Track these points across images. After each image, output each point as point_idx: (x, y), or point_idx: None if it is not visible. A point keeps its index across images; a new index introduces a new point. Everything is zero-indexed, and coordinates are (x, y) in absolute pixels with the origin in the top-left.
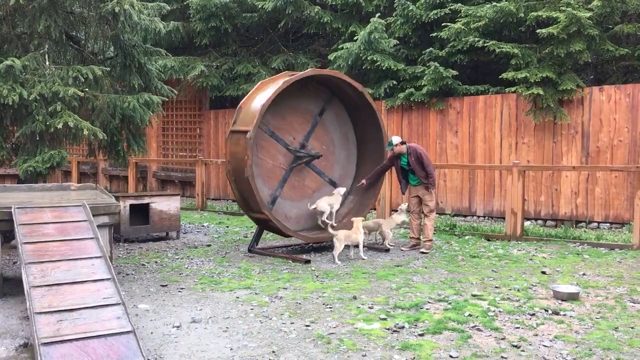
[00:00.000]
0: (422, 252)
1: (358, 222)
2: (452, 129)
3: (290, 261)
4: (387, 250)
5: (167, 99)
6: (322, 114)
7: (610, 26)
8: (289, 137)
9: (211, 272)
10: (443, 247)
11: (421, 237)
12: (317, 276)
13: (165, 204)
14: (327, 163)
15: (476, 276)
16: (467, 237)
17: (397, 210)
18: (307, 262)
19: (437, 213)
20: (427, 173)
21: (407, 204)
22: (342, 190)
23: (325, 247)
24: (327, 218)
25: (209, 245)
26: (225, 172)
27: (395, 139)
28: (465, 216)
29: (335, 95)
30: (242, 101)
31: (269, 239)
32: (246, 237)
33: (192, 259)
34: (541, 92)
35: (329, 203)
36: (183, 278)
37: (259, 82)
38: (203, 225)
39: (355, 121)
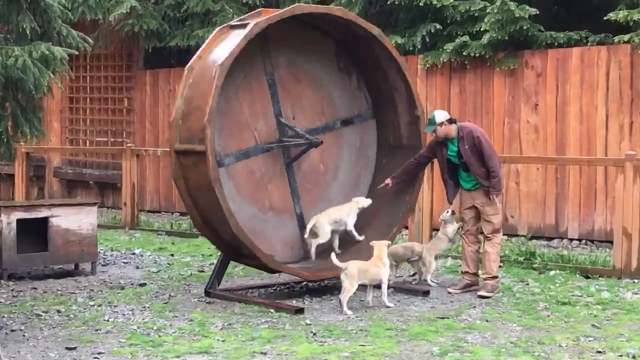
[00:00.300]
0: (482, 296)
1: (381, 248)
2: (529, 100)
3: (273, 310)
4: (426, 292)
5: (76, 53)
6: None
7: None
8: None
9: (146, 328)
10: (514, 288)
11: (480, 272)
12: (315, 334)
13: (73, 219)
14: (332, 162)
15: (567, 335)
16: (552, 273)
17: (440, 226)
18: (299, 311)
19: (505, 234)
20: (490, 170)
21: (451, 212)
22: (362, 201)
23: (328, 286)
24: (319, 250)
25: (143, 285)
26: (173, 177)
27: (440, 115)
28: (549, 239)
29: (341, 48)
30: (195, 56)
31: (238, 274)
32: (202, 271)
33: (116, 306)
34: None
35: (335, 220)
36: (102, 337)
37: (220, 27)
38: (134, 253)
39: (371, 93)
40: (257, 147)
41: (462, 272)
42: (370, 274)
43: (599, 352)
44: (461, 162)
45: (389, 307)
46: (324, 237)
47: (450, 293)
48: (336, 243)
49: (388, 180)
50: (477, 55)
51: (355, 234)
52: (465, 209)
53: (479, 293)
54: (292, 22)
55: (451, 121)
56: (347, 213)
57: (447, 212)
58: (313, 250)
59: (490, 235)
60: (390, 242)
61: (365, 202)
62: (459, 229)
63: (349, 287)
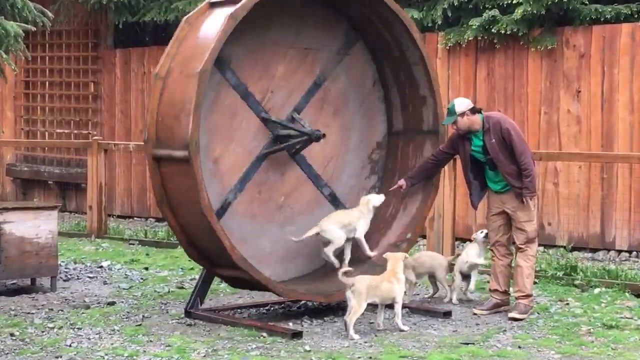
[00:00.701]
0: (513, 318)
1: (396, 261)
2: (569, 86)
3: (265, 334)
4: (447, 313)
5: (33, 29)
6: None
7: None
8: (266, 99)
9: (116, 355)
10: (552, 309)
11: (511, 289)
12: None
13: (30, 226)
14: (331, 161)
15: None
16: (597, 290)
17: (470, 240)
18: (297, 335)
19: (541, 245)
20: (522, 168)
21: (485, 233)
22: (375, 199)
23: (331, 306)
24: (336, 253)
25: (111, 304)
26: (154, 191)
27: (461, 104)
28: (593, 250)
29: (355, 31)
30: (173, 39)
31: (224, 291)
32: (181, 287)
33: (79, 328)
34: None
35: (343, 224)
36: None
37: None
38: (101, 266)
39: (386, 79)
40: (253, 164)
41: (490, 289)
42: (381, 291)
43: None
44: (487, 159)
45: (403, 330)
46: (337, 241)
47: (476, 314)
48: (347, 254)
49: (402, 182)
50: (508, 32)
51: (366, 246)
52: (494, 214)
53: (510, 314)
54: None
55: (474, 110)
56: (357, 217)
57: (482, 232)
58: (332, 258)
59: (523, 246)
60: (406, 255)
61: (378, 199)
62: (483, 253)
63: (356, 307)
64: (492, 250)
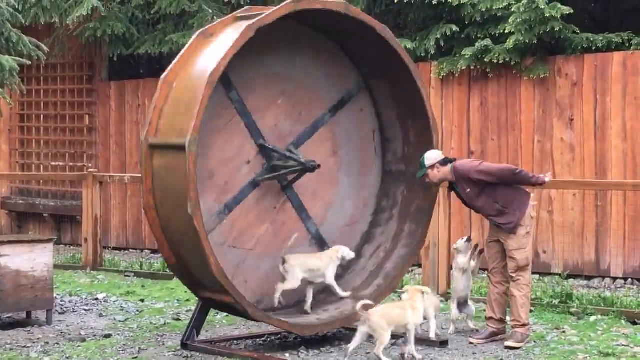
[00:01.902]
0: (509, 347)
1: (414, 294)
2: (562, 114)
3: None
4: (444, 343)
5: (29, 63)
6: (337, 110)
7: None
8: (267, 130)
9: None
10: (548, 337)
11: (508, 317)
12: None
13: (25, 260)
14: (319, 198)
15: None
16: (593, 318)
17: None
18: None
19: (535, 273)
20: (513, 176)
21: (467, 238)
22: (345, 252)
23: (327, 337)
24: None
25: (107, 336)
26: (143, 206)
27: (430, 157)
28: (589, 278)
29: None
30: (169, 69)
31: (221, 323)
32: (178, 319)
33: None
34: None
35: (308, 268)
36: None
37: (201, 30)
38: (97, 299)
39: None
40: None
41: (486, 317)
42: (392, 317)
43: None
44: (470, 205)
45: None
46: (292, 282)
47: (472, 344)
48: (309, 299)
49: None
50: (500, 61)
51: (338, 289)
52: (491, 242)
53: (506, 343)
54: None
55: (445, 162)
56: (326, 264)
57: (463, 239)
58: (277, 295)
59: (514, 275)
60: (429, 290)
61: (349, 254)
62: (474, 258)
63: (383, 339)
64: (488, 277)
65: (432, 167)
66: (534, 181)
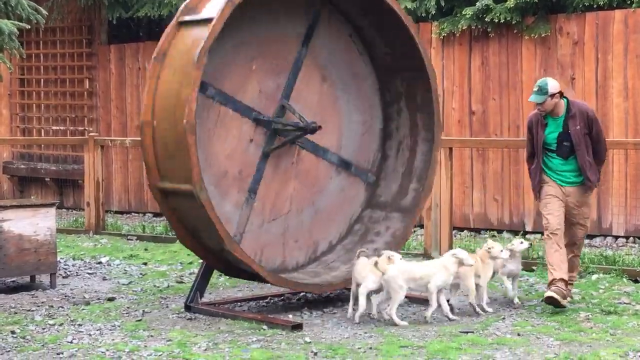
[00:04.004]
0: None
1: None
2: (564, 73)
3: (265, 326)
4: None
5: (27, 27)
6: (309, 40)
7: None
8: (255, 99)
9: (117, 350)
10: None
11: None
12: (316, 354)
13: (28, 224)
14: (328, 126)
15: (614, 349)
16: (595, 277)
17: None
18: (297, 327)
19: (538, 232)
20: (601, 157)
21: (519, 243)
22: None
23: (330, 298)
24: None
25: (111, 299)
26: (150, 187)
27: (554, 85)
28: (591, 237)
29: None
30: (162, 39)
31: (224, 285)
32: (181, 282)
33: (80, 325)
34: None
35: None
36: None
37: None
38: (100, 262)
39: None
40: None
41: (551, 280)
42: (414, 274)
43: None
44: (563, 146)
45: (452, 319)
46: (398, 295)
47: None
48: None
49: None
50: (501, 21)
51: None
52: (556, 201)
53: (548, 294)
54: None
55: (561, 95)
56: (434, 271)
57: (521, 241)
58: (375, 309)
59: (578, 243)
60: (464, 251)
61: (467, 259)
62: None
63: (396, 296)
64: (549, 236)
65: (553, 95)
66: (597, 180)
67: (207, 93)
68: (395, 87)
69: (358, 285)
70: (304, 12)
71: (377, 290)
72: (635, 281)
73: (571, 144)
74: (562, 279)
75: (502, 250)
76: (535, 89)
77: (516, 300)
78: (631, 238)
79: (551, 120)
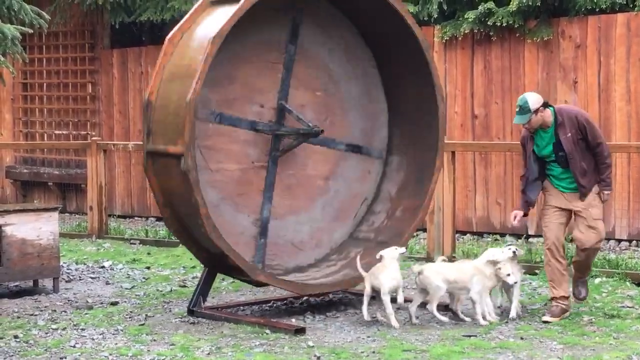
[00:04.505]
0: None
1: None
2: (566, 77)
3: (268, 330)
4: (448, 306)
5: (30, 31)
6: (297, 37)
7: None
8: (253, 108)
9: (120, 355)
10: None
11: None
12: (319, 358)
13: (31, 228)
14: (333, 116)
15: (617, 353)
16: (598, 280)
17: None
18: (300, 331)
19: (539, 235)
20: (602, 158)
21: (510, 248)
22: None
23: (333, 302)
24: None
25: (114, 304)
26: (158, 202)
27: (533, 100)
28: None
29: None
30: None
31: (227, 289)
32: (184, 286)
33: (83, 329)
34: None
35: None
36: None
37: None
38: (103, 267)
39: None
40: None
41: (552, 297)
42: (447, 275)
43: None
44: (559, 156)
45: (482, 324)
46: (436, 294)
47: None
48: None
49: (518, 212)
50: (504, 24)
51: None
52: (556, 211)
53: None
54: None
55: (546, 105)
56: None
57: (510, 248)
58: (413, 310)
59: (594, 246)
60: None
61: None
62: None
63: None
64: (546, 252)
65: (536, 111)
66: (610, 181)
67: (205, 117)
68: (388, 59)
69: (372, 286)
70: (289, 5)
71: (394, 289)
72: (639, 285)
73: (565, 153)
74: (562, 297)
75: (509, 275)
76: (517, 109)
77: (512, 314)
78: (634, 241)
79: (543, 133)
